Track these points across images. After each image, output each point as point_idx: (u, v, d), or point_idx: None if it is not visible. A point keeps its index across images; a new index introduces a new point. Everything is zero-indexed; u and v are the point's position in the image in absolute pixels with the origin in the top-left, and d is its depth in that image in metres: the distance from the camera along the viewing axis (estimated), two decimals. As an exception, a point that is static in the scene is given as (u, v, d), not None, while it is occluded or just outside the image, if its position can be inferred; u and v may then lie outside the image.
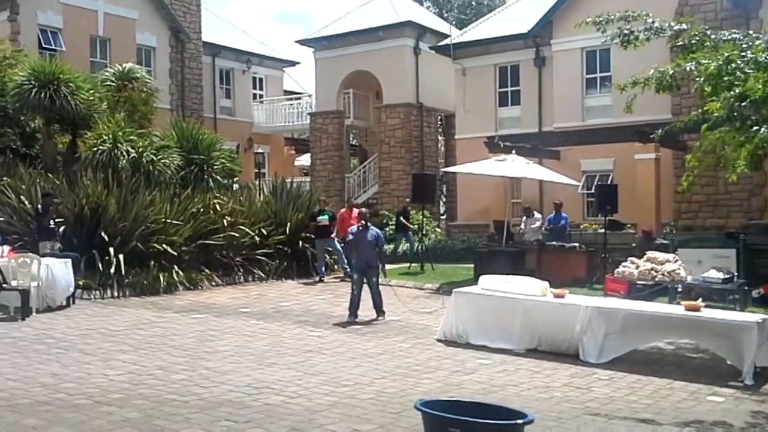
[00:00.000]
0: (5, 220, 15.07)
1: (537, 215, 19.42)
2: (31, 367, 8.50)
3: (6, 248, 13.12)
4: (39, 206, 14.19)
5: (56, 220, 14.28)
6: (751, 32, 9.52)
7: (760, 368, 8.96)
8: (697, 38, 8.98)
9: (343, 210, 18.66)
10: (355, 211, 18.60)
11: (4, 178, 16.27)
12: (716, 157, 9.37)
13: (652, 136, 13.15)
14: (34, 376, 8.11)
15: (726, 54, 8.06)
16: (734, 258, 14.36)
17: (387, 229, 24.29)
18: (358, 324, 12.15)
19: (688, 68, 8.38)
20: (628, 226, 18.70)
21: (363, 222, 12.94)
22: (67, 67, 18.30)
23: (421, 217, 21.55)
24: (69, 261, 12.97)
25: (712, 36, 8.98)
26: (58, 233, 14.23)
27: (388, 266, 19.30)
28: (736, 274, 12.98)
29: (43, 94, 17.13)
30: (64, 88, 17.38)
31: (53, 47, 23.84)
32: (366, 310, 12.60)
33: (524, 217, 19.54)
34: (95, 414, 6.79)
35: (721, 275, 12.20)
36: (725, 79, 7.85)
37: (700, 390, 8.50)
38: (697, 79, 8.26)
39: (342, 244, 17.64)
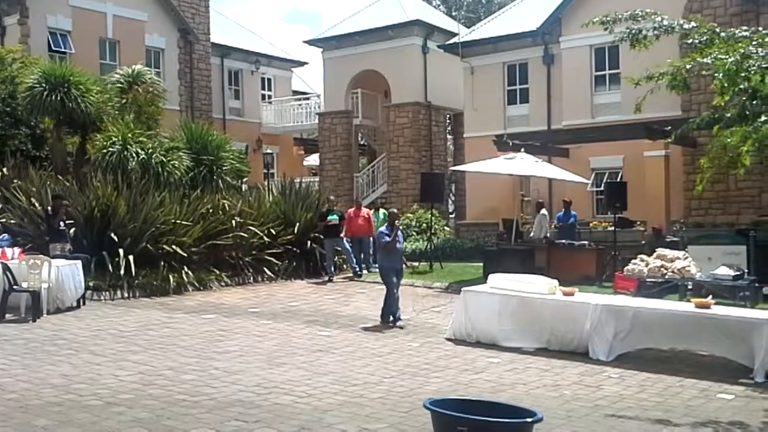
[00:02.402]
0: (16, 222, 15.16)
1: (542, 211, 19.35)
2: (42, 368, 8.54)
3: (17, 250, 13.20)
4: (49, 208, 14.25)
5: (66, 221, 14.32)
6: (761, 28, 9.45)
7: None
8: (707, 36, 8.93)
9: (351, 209, 18.67)
10: (363, 210, 18.64)
11: (15, 180, 16.35)
12: (728, 156, 9.29)
13: (668, 141, 13.02)
14: (45, 377, 8.16)
15: (743, 50, 7.99)
16: (744, 255, 14.28)
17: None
18: (368, 324, 12.16)
19: (706, 61, 8.26)
20: (638, 223, 18.63)
21: (393, 224, 12.43)
22: (77, 70, 18.39)
23: (429, 216, 21.53)
24: (79, 262, 13.02)
25: (722, 33, 8.92)
26: (69, 235, 14.28)
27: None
28: (746, 271, 12.93)
29: (53, 97, 17.20)
30: (75, 91, 17.45)
31: (63, 50, 23.94)
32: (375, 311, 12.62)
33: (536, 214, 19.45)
34: (106, 414, 6.83)
35: (731, 272, 12.15)
36: (742, 75, 7.78)
37: (710, 387, 8.49)
38: (716, 75, 8.18)
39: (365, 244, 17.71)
